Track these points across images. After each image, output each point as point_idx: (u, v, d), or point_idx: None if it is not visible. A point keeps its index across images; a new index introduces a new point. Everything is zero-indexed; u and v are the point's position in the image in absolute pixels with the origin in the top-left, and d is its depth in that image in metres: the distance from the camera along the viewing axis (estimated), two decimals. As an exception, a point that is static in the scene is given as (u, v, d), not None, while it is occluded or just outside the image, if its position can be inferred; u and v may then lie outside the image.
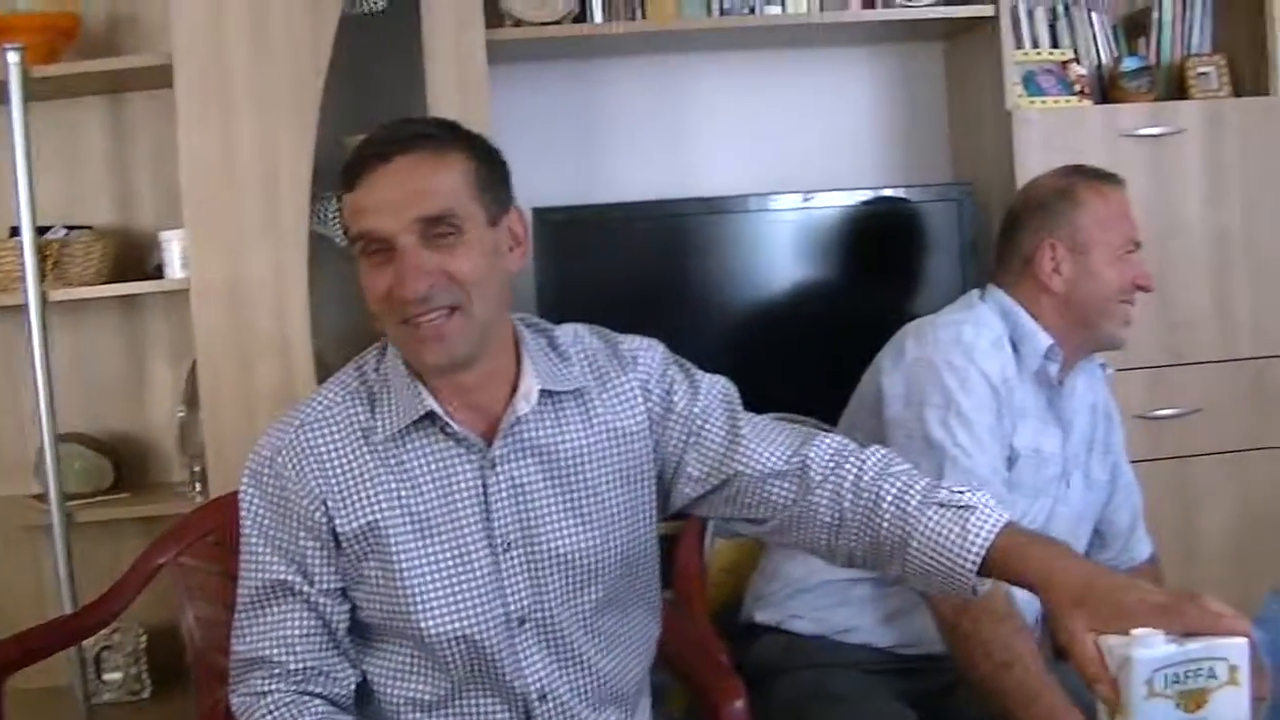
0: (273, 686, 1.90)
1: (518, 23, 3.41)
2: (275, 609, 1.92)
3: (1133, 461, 2.86)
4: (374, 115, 3.28)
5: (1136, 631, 1.46)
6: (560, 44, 3.54)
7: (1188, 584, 2.23)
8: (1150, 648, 1.44)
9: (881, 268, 3.65)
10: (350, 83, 3.32)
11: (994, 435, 2.47)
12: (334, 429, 1.93)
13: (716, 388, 2.06)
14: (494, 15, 3.36)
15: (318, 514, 1.89)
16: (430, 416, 1.91)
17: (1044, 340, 2.57)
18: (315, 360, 3.18)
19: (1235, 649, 1.44)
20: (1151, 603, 1.50)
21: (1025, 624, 2.33)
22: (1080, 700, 1.54)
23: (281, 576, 1.91)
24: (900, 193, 3.69)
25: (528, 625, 1.95)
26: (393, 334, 1.91)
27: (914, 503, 1.82)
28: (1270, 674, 1.46)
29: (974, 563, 1.71)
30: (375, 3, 3.28)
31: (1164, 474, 3.52)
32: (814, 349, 3.49)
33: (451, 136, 1.90)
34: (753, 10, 3.54)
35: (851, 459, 1.93)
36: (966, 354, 2.49)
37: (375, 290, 1.85)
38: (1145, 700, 1.42)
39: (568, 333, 2.06)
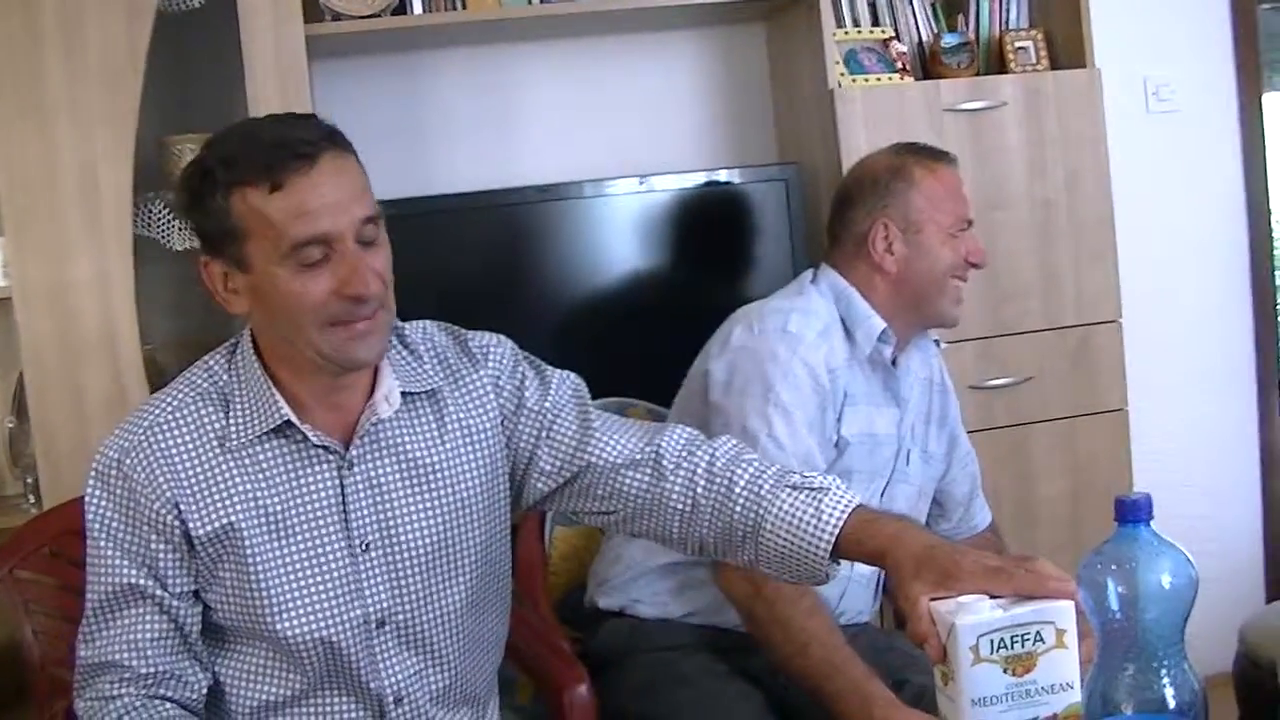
0: (121, 690, 1.90)
1: (337, 17, 3.40)
2: (126, 613, 1.91)
3: (969, 432, 2.97)
4: (195, 115, 3.30)
5: (963, 598, 1.53)
6: (382, 37, 3.54)
7: (1027, 549, 2.35)
8: (975, 613, 1.50)
9: (712, 251, 3.71)
10: (169, 82, 3.31)
11: (813, 428, 2.52)
12: (185, 431, 1.92)
13: (567, 383, 2.10)
14: (313, 10, 3.34)
15: (169, 517, 1.88)
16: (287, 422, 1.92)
17: (877, 325, 2.63)
18: (146, 365, 3.17)
19: (1061, 612, 1.50)
20: (984, 566, 1.57)
21: (819, 604, 2.38)
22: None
23: (132, 580, 1.90)
24: (728, 175, 3.76)
25: (388, 627, 1.97)
26: (314, 338, 1.86)
27: (767, 486, 1.88)
28: (1094, 636, 1.53)
29: (828, 542, 1.78)
30: (191, 0, 3.27)
31: (999, 442, 3.65)
32: (649, 334, 3.53)
33: (341, 136, 1.90)
34: (572, -3, 3.56)
35: (704, 447, 1.99)
36: (791, 346, 2.55)
37: (313, 294, 1.82)
38: (972, 666, 1.48)
39: (417, 330, 2.08)
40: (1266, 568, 4.48)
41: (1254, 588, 4.46)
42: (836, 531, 1.78)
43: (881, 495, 2.70)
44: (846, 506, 1.80)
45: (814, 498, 1.82)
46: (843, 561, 1.82)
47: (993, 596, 1.54)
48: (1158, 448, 4.08)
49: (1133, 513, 1.57)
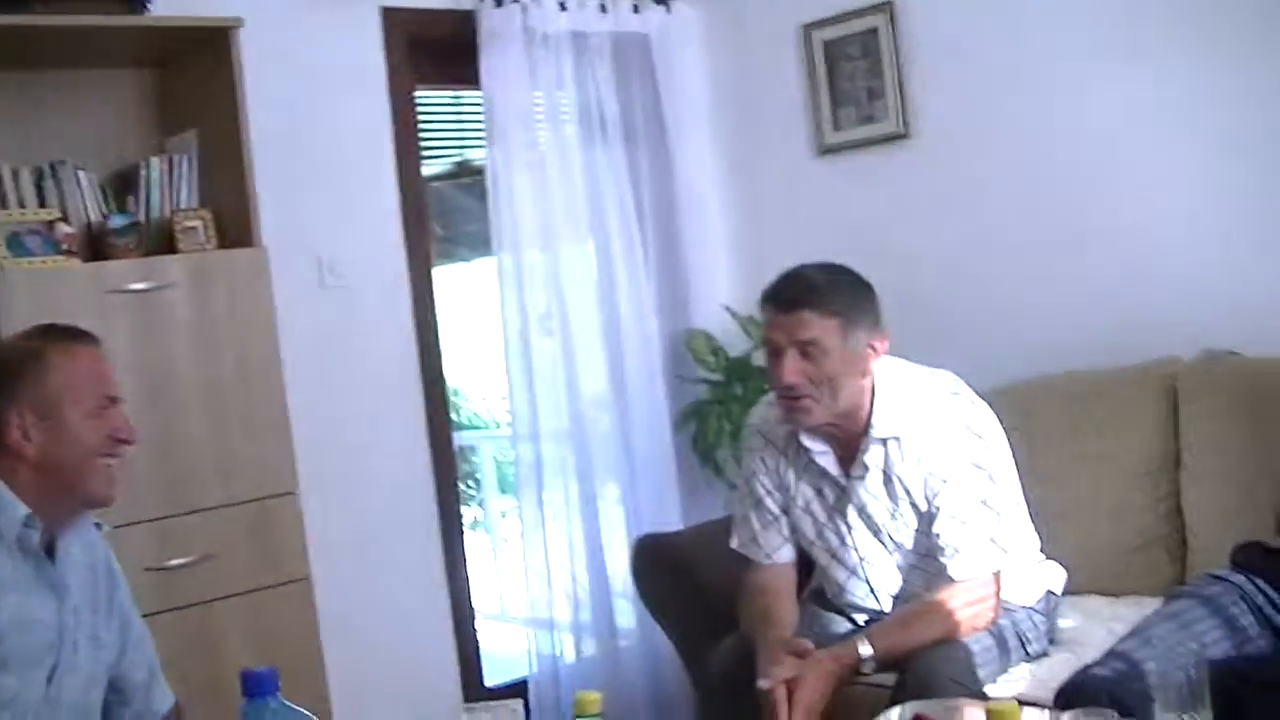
0: None
1: None
2: None
3: (148, 614, 2.96)
4: None
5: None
6: None
7: None
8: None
9: None
10: None
11: None
12: None
13: None
14: None
15: None
16: None
17: (19, 510, 2.57)
18: None
19: None
20: None
21: None
22: None
23: None
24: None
25: None
26: None
27: None
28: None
29: None
30: None
31: (184, 622, 3.65)
32: None
33: None
34: None
35: None
36: None
37: None
38: None
39: None
40: (466, 718, 4.72)
41: (454, 738, 4.68)
42: None
43: (48, 684, 2.66)
44: None
45: None
46: None
47: None
48: (349, 611, 4.23)
49: (257, 685, 1.67)
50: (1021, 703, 2.87)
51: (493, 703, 2.40)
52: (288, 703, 1.67)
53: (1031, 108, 4.52)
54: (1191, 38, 4.13)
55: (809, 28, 5.07)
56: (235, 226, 3.96)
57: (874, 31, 4.88)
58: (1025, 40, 4.51)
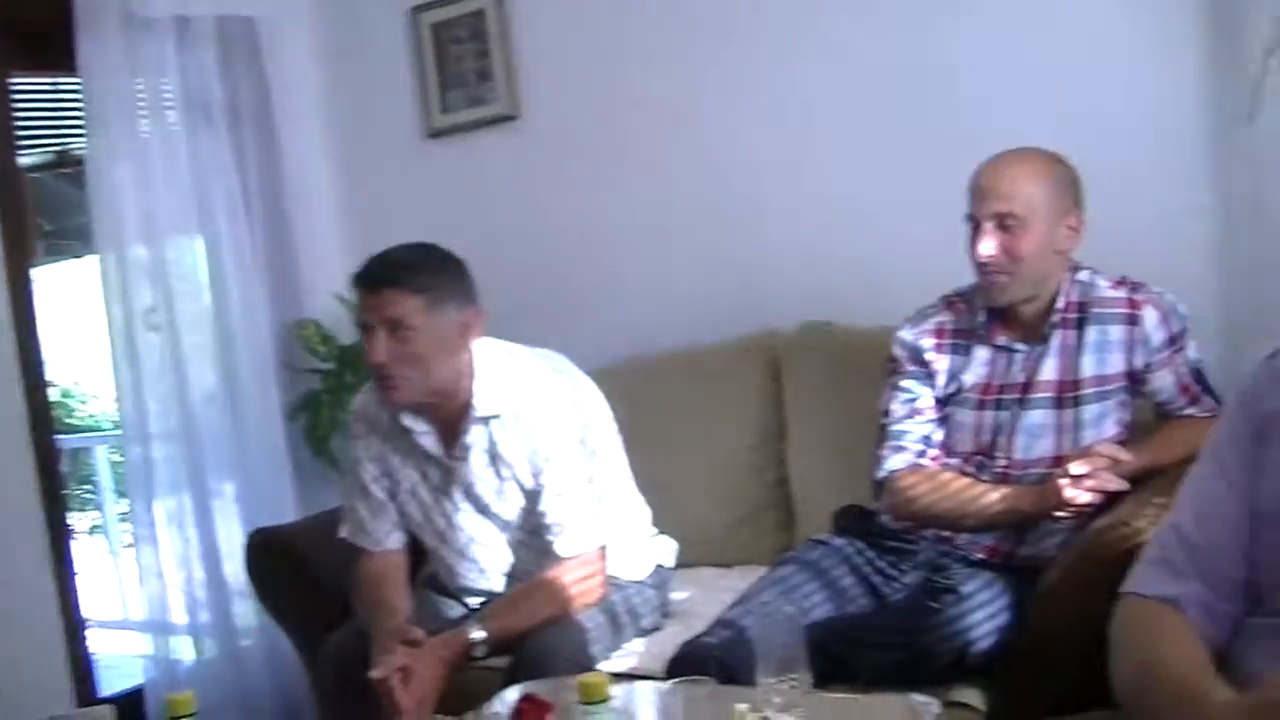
0: None
1: None
2: None
3: None
4: None
5: None
6: None
7: None
8: None
9: None
10: None
11: None
12: None
13: None
14: None
15: None
16: None
17: None
18: None
19: None
20: None
21: None
22: None
23: None
24: None
25: None
26: None
27: None
28: None
29: None
30: None
31: None
32: None
33: None
34: None
35: None
36: None
37: None
38: None
39: None
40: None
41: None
42: None
43: None
44: None
45: None
46: None
47: None
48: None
49: None
50: (634, 676, 2.98)
51: (78, 710, 2.34)
52: None
53: (639, 86, 4.61)
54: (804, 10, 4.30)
55: (417, 10, 5.07)
56: None
57: (481, 13, 4.91)
58: (635, 18, 4.61)
